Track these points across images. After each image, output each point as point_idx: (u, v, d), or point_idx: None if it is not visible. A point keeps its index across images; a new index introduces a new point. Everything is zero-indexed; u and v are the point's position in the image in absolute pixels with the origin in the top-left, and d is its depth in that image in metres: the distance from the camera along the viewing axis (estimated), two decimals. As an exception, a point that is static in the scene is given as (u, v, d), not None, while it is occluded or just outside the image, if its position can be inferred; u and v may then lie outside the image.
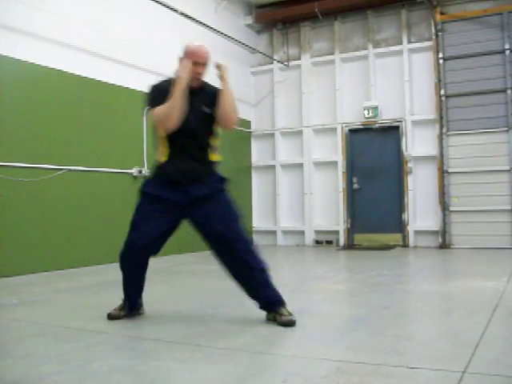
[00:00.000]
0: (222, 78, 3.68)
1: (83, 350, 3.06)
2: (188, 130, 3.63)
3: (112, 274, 6.47)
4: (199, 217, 3.71)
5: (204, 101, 3.72)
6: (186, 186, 3.67)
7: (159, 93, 3.64)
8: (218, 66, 3.68)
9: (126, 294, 3.89)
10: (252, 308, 4.02)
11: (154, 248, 3.78)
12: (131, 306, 3.90)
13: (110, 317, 3.83)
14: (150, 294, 4.96)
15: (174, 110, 3.51)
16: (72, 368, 2.69)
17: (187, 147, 3.68)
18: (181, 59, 3.69)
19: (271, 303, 3.69)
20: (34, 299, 4.79)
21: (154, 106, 3.61)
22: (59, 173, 6.85)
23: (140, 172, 8.09)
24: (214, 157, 3.84)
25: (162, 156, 3.73)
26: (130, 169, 8.03)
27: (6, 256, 6.19)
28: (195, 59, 3.63)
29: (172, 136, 3.64)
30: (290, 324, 3.55)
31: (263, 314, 3.80)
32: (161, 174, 3.75)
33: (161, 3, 7.77)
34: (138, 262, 3.82)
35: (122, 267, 3.83)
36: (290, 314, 3.62)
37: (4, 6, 6.29)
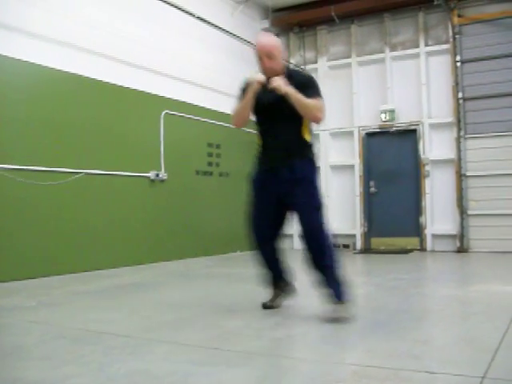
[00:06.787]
0: (281, 94, 3.72)
1: (102, 352, 3.08)
2: (275, 116, 3.87)
3: (128, 277, 6.51)
4: (291, 205, 3.96)
5: (293, 86, 3.75)
6: (277, 172, 3.90)
7: (244, 89, 3.94)
8: (274, 88, 3.71)
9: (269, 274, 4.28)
10: (268, 311, 4.03)
11: (274, 232, 4.19)
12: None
13: (265, 306, 4.17)
14: (167, 297, 4.98)
15: (239, 113, 3.93)
16: (91, 370, 2.71)
17: (276, 133, 3.90)
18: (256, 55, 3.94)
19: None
20: (52, 302, 4.83)
21: (237, 101, 4.00)
22: (76, 176, 6.91)
23: (157, 176, 8.08)
24: (307, 136, 3.95)
25: (259, 145, 4.06)
26: (147, 172, 8.05)
27: (25, 258, 6.25)
28: (259, 55, 3.85)
29: (261, 123, 3.99)
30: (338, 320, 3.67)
31: (280, 317, 3.79)
32: (257, 162, 4.06)
33: (177, 7, 7.81)
34: (265, 248, 4.21)
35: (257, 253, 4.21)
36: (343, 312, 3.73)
37: (23, 10, 6.37)
